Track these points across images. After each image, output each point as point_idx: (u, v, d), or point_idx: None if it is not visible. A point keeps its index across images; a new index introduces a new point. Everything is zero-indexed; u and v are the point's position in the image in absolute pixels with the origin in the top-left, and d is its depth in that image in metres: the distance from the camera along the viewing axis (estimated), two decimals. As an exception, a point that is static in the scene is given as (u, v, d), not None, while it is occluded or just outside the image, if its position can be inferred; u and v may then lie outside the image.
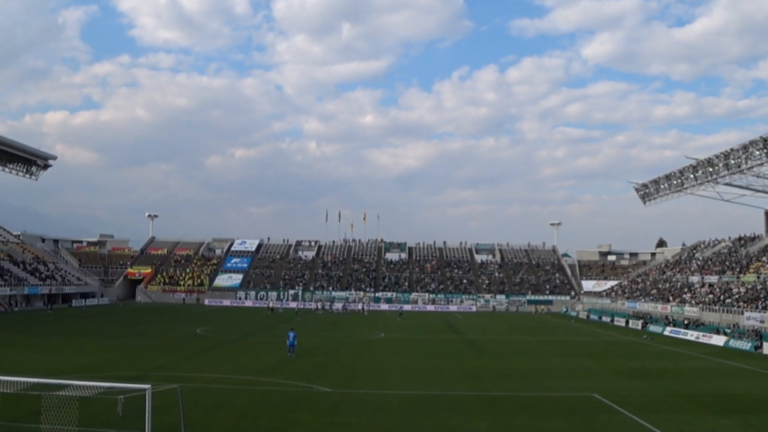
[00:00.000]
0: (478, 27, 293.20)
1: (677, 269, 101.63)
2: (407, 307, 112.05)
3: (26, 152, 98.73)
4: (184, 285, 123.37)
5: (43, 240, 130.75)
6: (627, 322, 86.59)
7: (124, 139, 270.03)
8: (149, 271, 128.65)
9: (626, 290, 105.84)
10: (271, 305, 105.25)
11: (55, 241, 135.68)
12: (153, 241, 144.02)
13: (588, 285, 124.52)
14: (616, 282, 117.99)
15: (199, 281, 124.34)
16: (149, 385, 19.44)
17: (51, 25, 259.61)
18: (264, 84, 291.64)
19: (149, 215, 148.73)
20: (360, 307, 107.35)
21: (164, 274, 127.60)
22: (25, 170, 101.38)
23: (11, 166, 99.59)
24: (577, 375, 40.42)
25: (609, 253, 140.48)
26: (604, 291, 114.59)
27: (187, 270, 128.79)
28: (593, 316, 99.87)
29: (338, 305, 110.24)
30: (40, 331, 62.49)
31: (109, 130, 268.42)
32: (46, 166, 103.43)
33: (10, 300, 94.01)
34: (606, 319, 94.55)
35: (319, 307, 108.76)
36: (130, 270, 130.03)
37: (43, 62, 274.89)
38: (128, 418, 21.95)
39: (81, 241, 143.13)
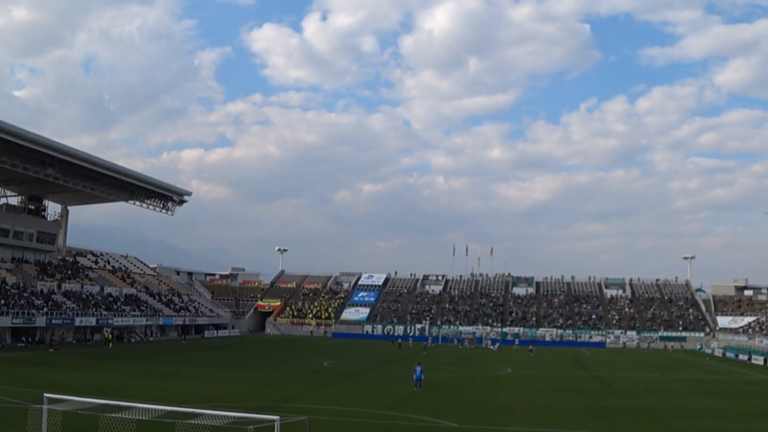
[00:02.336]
0: (606, 57, 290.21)
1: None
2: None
3: (163, 188, 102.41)
4: (312, 318, 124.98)
5: (178, 273, 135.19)
6: (765, 361, 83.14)
7: (256, 175, 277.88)
8: (278, 303, 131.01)
9: (765, 327, 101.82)
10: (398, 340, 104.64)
11: (189, 274, 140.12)
12: (282, 275, 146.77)
13: (723, 321, 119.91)
14: (753, 318, 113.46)
15: (326, 314, 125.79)
16: (278, 417, 19.78)
17: (188, 67, 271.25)
18: (392, 119, 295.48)
19: (279, 249, 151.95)
20: (487, 344, 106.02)
21: (293, 307, 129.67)
22: (161, 206, 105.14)
23: (149, 201, 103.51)
24: (714, 415, 38.92)
25: (746, 287, 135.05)
26: (741, 327, 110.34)
27: (315, 303, 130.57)
28: (729, 354, 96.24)
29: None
30: (174, 361, 64.49)
31: (241, 167, 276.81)
32: (181, 202, 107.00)
33: (146, 330, 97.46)
34: (743, 357, 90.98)
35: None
36: (260, 303, 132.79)
37: (179, 102, 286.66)
38: (257, 449, 22.32)
39: (214, 274, 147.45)
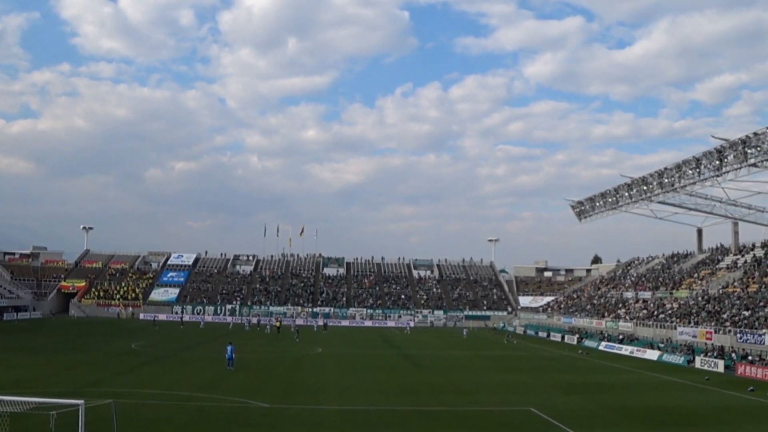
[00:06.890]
0: (423, 44, 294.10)
1: (612, 285, 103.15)
2: (345, 323, 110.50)
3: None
4: (119, 299, 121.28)
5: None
6: (563, 338, 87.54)
7: (62, 150, 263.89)
8: (83, 284, 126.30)
9: (562, 306, 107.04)
10: (255, 321, 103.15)
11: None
12: (87, 254, 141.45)
13: (525, 301, 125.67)
14: (552, 298, 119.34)
15: (134, 295, 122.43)
16: (82, 401, 19.13)
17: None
18: (207, 97, 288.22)
19: (84, 227, 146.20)
20: (299, 323, 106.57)
21: (99, 287, 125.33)
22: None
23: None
24: (514, 390, 40.73)
25: (545, 269, 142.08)
26: (541, 307, 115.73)
27: (123, 284, 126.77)
28: (530, 332, 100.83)
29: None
30: (-30, 346, 61.02)
31: (46, 140, 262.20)
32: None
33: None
34: (542, 334, 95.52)
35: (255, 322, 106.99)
36: (63, 283, 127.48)
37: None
38: (61, 435, 21.51)
39: (13, 253, 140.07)
